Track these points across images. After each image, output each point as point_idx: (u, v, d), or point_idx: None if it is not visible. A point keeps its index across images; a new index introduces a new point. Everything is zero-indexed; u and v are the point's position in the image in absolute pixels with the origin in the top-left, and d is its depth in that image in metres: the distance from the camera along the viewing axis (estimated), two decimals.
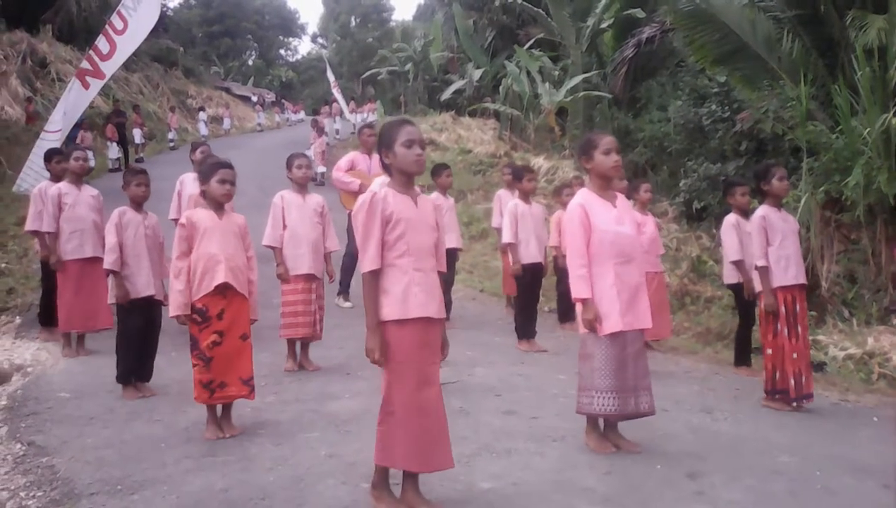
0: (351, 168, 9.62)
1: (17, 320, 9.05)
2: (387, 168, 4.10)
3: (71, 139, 15.63)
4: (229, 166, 5.55)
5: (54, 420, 5.76)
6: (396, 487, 4.09)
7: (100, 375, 6.60)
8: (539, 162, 20.29)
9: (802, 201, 10.90)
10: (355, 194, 9.17)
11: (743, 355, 7.79)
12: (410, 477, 4.04)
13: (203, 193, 5.57)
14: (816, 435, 5.59)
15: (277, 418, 5.77)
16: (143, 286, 6.52)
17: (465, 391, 6.44)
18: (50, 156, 8.58)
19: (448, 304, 9.18)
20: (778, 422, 5.90)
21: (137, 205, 6.63)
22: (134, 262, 6.51)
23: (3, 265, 10.84)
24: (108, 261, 6.48)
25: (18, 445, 5.20)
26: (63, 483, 4.49)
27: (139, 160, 23.16)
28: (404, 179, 4.04)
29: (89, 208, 7.96)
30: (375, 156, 9.25)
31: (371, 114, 35.60)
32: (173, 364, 7.02)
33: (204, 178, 5.50)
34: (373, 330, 3.88)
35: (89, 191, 8.14)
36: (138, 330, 6.47)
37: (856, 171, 10.03)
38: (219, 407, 5.41)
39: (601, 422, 5.12)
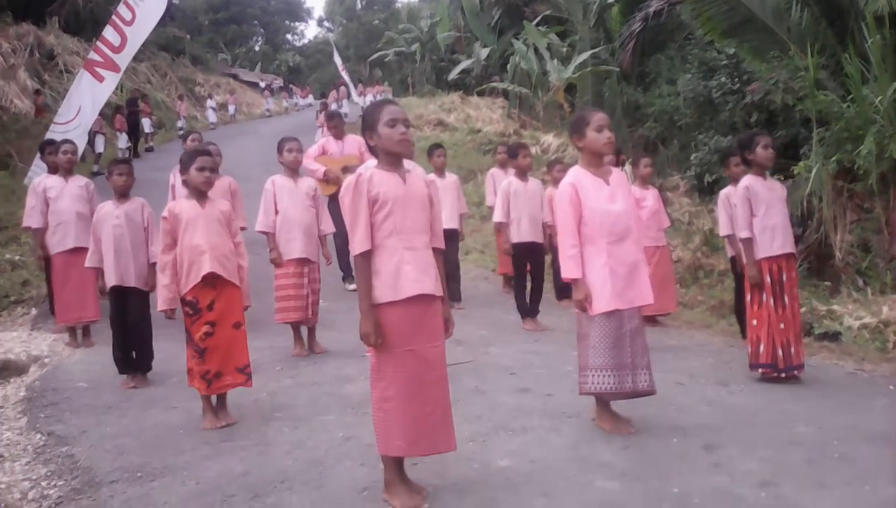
0: (322, 153, 9.68)
1: (33, 312, 9.12)
2: (373, 150, 4.03)
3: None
4: (208, 153, 5.53)
5: (73, 409, 5.81)
6: (414, 467, 4.11)
7: (115, 365, 6.63)
8: (549, 139, 20.29)
9: (814, 171, 10.84)
10: (322, 181, 9.20)
11: (745, 327, 7.75)
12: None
13: (185, 182, 5.56)
14: (833, 405, 5.57)
15: (294, 401, 5.80)
16: (108, 277, 6.54)
17: (479, 370, 6.46)
18: (43, 147, 8.61)
19: (457, 286, 9.18)
20: (794, 393, 5.88)
21: (120, 195, 6.63)
22: (106, 256, 6.55)
23: (18, 257, 10.89)
24: (87, 259, 6.65)
25: (38, 435, 5.25)
26: (83, 472, 4.54)
27: (149, 149, 23.27)
28: (391, 159, 3.96)
29: (74, 199, 7.92)
30: (347, 138, 9.37)
31: (380, 95, 35.56)
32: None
33: (183, 167, 5.47)
34: (366, 313, 3.80)
35: (77, 182, 8.09)
36: (116, 320, 6.54)
37: (868, 140, 9.96)
38: (214, 397, 5.43)
39: (612, 403, 5.09)
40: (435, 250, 4.04)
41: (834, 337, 8.06)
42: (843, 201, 11.06)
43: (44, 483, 4.42)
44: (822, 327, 8.30)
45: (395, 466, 3.96)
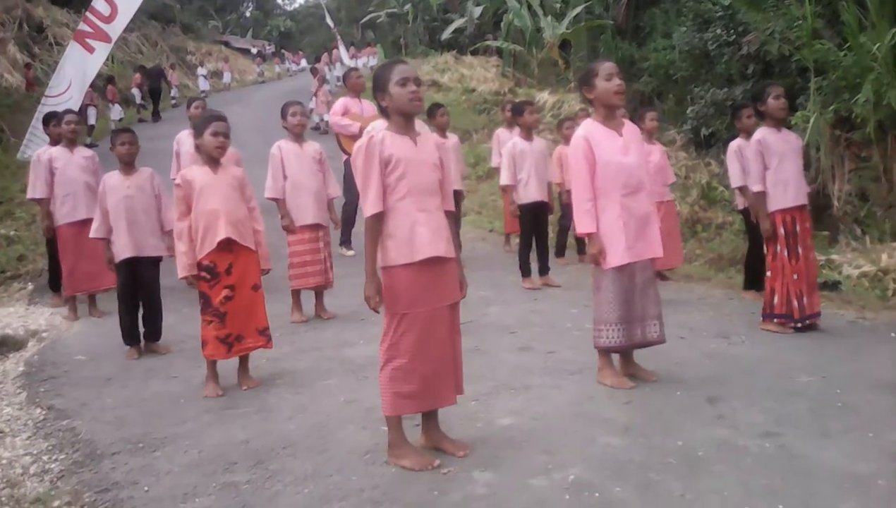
0: (345, 112, 9.50)
1: (30, 286, 9.10)
2: (384, 111, 3.98)
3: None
4: (222, 119, 5.46)
5: (72, 383, 5.80)
6: (417, 428, 4.10)
7: (114, 336, 6.61)
8: (544, 96, 20.14)
9: (811, 121, 10.79)
10: (355, 137, 9.04)
11: (751, 279, 7.72)
12: (430, 416, 4.05)
13: (197, 148, 5.51)
14: (835, 355, 5.57)
15: (295, 367, 5.79)
16: (120, 249, 6.47)
17: (479, 330, 6.44)
18: (47, 120, 8.57)
19: (458, 246, 9.14)
20: (795, 344, 5.88)
21: (125, 164, 6.56)
22: (115, 226, 6.48)
23: (13, 232, 10.85)
24: (92, 230, 6.57)
25: (38, 410, 5.23)
26: (85, 445, 4.52)
27: (142, 120, 23.14)
28: (402, 120, 3.92)
29: (81, 170, 7.88)
30: (365, 100, 9.15)
31: (372, 58, 35.33)
32: (186, 320, 7.03)
33: (197, 133, 5.43)
34: (371, 276, 3.81)
35: (82, 153, 8.08)
36: (126, 292, 6.51)
37: (865, 88, 9.89)
38: (230, 363, 5.44)
39: (614, 358, 5.10)
40: (446, 212, 4.03)
41: (833, 286, 8.06)
42: (840, 150, 11.03)
43: (45, 458, 4.40)
44: (821, 276, 8.27)
45: (399, 427, 3.96)
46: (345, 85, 10.20)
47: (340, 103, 9.65)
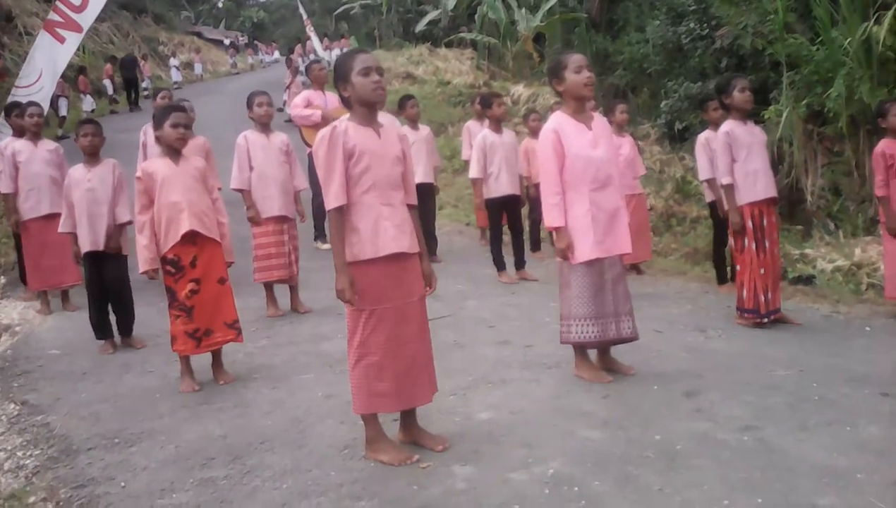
0: (308, 105, 9.38)
1: (2, 280, 8.97)
2: (346, 102, 3.91)
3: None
4: (182, 109, 5.42)
5: (46, 377, 5.74)
6: (395, 423, 4.09)
7: (88, 331, 6.53)
8: (519, 89, 20.13)
9: (784, 115, 10.86)
10: (317, 127, 8.92)
11: (721, 273, 7.75)
12: (408, 412, 4.03)
13: (158, 139, 5.43)
14: (811, 348, 5.60)
15: (272, 361, 5.76)
16: (83, 243, 6.39)
17: (457, 324, 6.43)
18: (9, 110, 8.40)
19: (433, 240, 9.11)
20: (772, 337, 5.91)
21: (89, 156, 6.45)
22: (78, 220, 6.39)
23: None
24: (60, 225, 6.49)
25: (12, 405, 5.17)
26: (60, 440, 4.48)
27: (114, 112, 22.96)
28: (365, 111, 3.86)
29: (45, 164, 7.71)
30: (329, 92, 9.04)
31: (346, 49, 35.18)
32: (161, 314, 6.89)
33: (157, 123, 5.33)
34: (341, 269, 3.73)
35: (46, 147, 7.87)
36: (94, 286, 6.43)
37: (837, 82, 9.97)
38: (204, 357, 5.39)
39: (591, 352, 5.09)
40: (409, 206, 3.98)
41: (808, 280, 8.11)
42: (813, 145, 11.10)
43: (19, 453, 4.36)
44: (795, 271, 8.36)
45: (376, 423, 3.93)
46: (307, 77, 10.07)
47: (303, 96, 9.49)
